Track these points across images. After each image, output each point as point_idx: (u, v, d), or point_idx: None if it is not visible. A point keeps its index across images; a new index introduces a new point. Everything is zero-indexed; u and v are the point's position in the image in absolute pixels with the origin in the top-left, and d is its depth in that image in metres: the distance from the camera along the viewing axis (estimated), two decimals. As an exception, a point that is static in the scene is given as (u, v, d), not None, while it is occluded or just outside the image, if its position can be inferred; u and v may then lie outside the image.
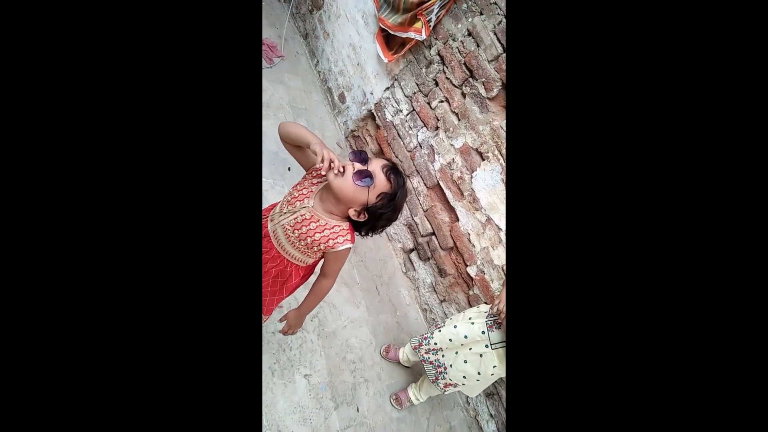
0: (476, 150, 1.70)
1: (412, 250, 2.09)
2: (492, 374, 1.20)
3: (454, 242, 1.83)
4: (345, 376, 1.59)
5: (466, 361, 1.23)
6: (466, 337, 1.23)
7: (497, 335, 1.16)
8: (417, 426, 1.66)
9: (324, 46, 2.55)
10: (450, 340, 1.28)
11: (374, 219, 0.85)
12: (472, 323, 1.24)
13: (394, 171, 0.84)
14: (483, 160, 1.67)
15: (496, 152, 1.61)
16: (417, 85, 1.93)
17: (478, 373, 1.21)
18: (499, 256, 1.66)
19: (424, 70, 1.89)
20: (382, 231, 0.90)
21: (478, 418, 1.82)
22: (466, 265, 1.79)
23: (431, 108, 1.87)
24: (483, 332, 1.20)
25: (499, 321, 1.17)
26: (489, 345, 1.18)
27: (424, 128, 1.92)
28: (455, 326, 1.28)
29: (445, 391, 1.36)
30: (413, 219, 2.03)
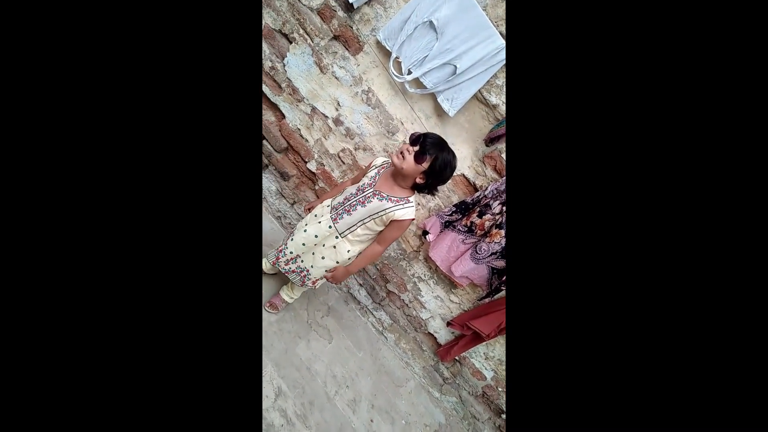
0: (280, 32, 1.50)
1: (246, 162, 1.92)
2: (349, 258, 1.31)
3: (287, 141, 1.74)
4: (210, 306, 1.51)
5: (323, 257, 1.30)
6: (316, 236, 1.28)
7: (343, 223, 1.23)
8: (298, 319, 1.78)
9: None
10: (303, 244, 1.32)
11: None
12: (320, 222, 1.28)
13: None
14: (290, 42, 1.51)
15: (302, 31, 1.46)
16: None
17: (337, 263, 1.30)
18: (332, 144, 1.66)
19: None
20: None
21: (350, 291, 2.06)
22: (305, 162, 1.76)
23: (212, -19, 1.51)
24: (330, 226, 1.25)
25: (341, 211, 1.23)
26: (338, 236, 1.26)
27: (212, 10, 1.57)
28: (305, 230, 1.31)
29: (315, 287, 1.44)
30: (236, 126, 1.80)
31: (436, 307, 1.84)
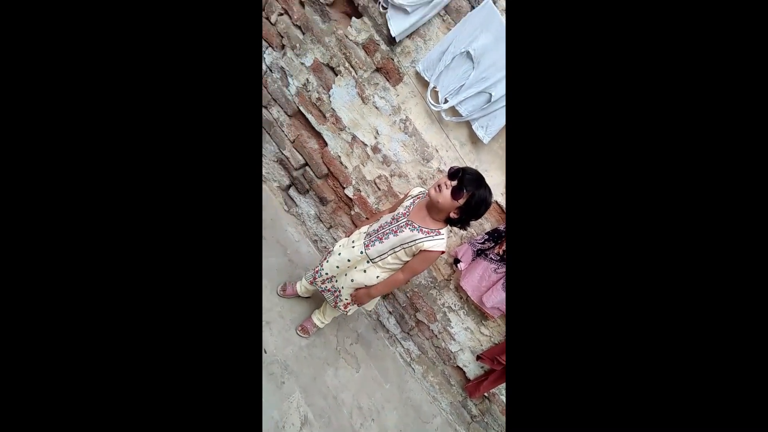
0: (327, 65, 1.63)
1: (289, 186, 2.02)
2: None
3: (328, 168, 1.82)
4: (242, 321, 1.55)
5: (353, 280, 1.32)
6: (349, 260, 1.31)
7: (375, 250, 1.25)
8: (327, 345, 1.76)
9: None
10: (337, 266, 1.35)
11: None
12: (353, 247, 1.31)
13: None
14: (336, 75, 1.63)
15: (347, 65, 1.58)
16: (249, -2, 1.70)
17: (365, 286, 1.31)
18: (370, 171, 1.72)
19: (253, -21, 1.65)
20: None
21: (380, 319, 2.02)
22: (343, 188, 1.82)
23: (271, 23, 1.69)
24: (361, 252, 1.28)
25: (374, 238, 1.26)
26: (369, 261, 1.27)
27: (270, 49, 1.75)
28: (339, 253, 1.35)
29: (347, 311, 1.45)
30: (282, 153, 1.93)
31: (466, 339, 1.75)
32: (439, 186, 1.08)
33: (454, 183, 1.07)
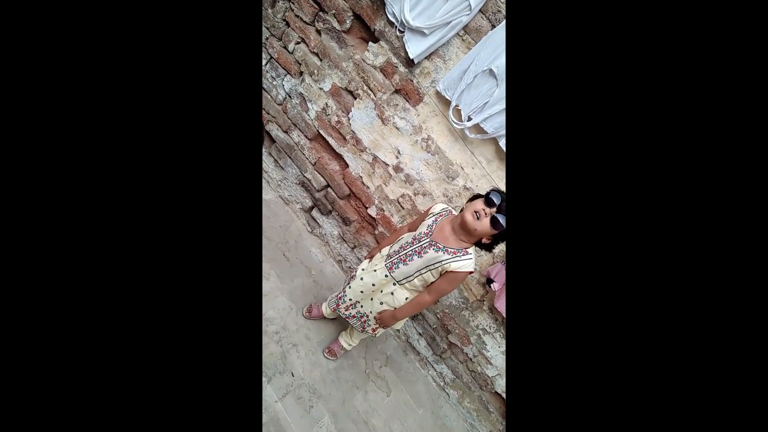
0: (346, 89, 1.63)
1: (312, 208, 2.03)
2: None
3: (350, 188, 1.82)
4: (272, 348, 1.54)
5: (382, 303, 1.28)
6: (373, 285, 1.28)
7: (400, 273, 1.21)
8: (355, 368, 1.73)
9: None
10: (361, 291, 1.32)
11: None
12: (375, 270, 1.28)
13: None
14: (355, 98, 1.63)
15: (365, 88, 1.57)
16: (267, 29, 1.74)
17: (395, 309, 1.27)
18: (392, 190, 1.70)
19: (270, 10, 1.69)
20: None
21: (409, 341, 1.98)
22: (366, 208, 1.81)
23: (289, 52, 1.72)
24: (386, 275, 1.24)
25: (396, 260, 1.22)
26: (395, 283, 1.24)
27: (288, 76, 1.77)
28: (362, 278, 1.32)
29: (375, 334, 1.42)
30: (304, 176, 1.94)
31: (504, 364, 1.67)
32: (477, 213, 1.05)
33: (493, 211, 1.04)
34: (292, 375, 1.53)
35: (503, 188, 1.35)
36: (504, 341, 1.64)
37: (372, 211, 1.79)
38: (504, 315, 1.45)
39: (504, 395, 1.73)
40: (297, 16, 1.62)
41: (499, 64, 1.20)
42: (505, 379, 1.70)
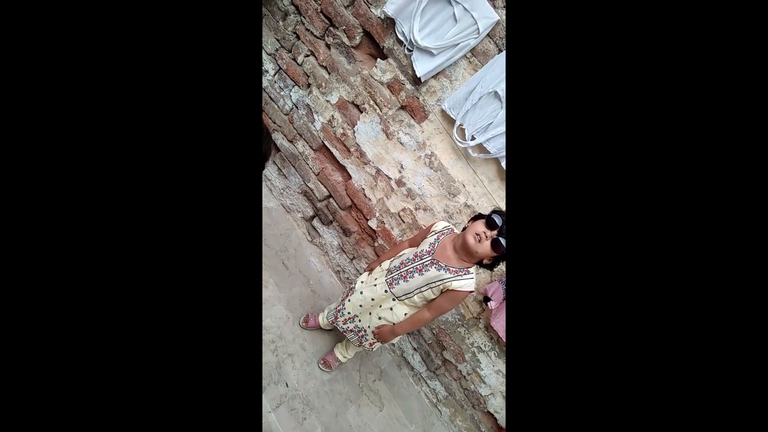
0: (352, 103, 1.66)
1: (313, 217, 2.04)
2: None
3: (351, 200, 1.83)
4: (267, 358, 1.54)
5: (380, 318, 1.28)
6: (373, 299, 1.28)
7: (400, 289, 1.22)
8: (349, 380, 1.72)
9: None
10: (360, 306, 1.32)
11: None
12: (375, 285, 1.28)
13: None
14: (361, 112, 1.65)
15: (372, 102, 1.60)
16: (278, 40, 1.77)
17: (393, 324, 1.27)
18: (394, 204, 1.71)
19: (281, 23, 1.72)
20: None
21: (404, 355, 1.97)
22: (367, 220, 1.82)
23: (298, 64, 1.75)
24: (386, 291, 1.25)
25: (397, 276, 1.23)
26: (395, 299, 1.24)
27: (296, 87, 1.80)
28: (361, 292, 1.31)
29: (372, 349, 1.42)
30: (307, 185, 1.95)
31: (498, 384, 1.67)
32: (478, 235, 1.06)
33: (494, 234, 1.05)
34: (287, 385, 1.52)
35: (503, 207, 1.37)
36: (498, 360, 1.64)
37: (372, 224, 1.80)
38: (500, 334, 1.45)
39: (496, 415, 1.72)
40: (308, 29, 1.66)
41: (504, 87, 1.22)
42: (497, 399, 1.70)
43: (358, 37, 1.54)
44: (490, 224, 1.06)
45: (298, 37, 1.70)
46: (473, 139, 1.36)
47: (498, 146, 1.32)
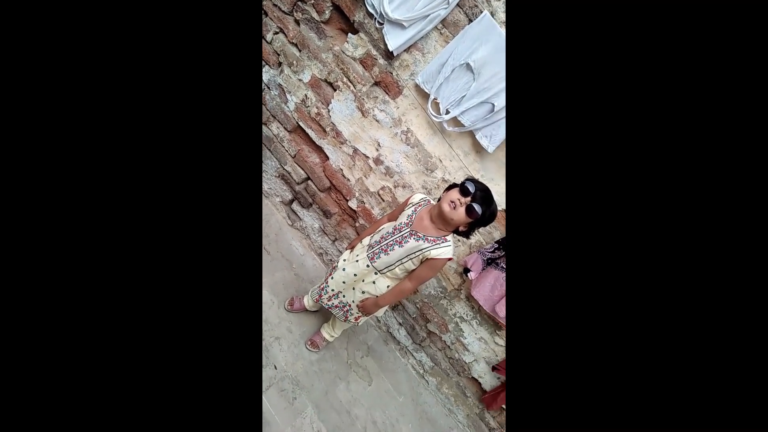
0: (325, 81, 1.63)
1: (292, 201, 2.02)
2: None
3: (330, 181, 1.82)
4: (253, 342, 1.54)
5: (364, 292, 1.30)
6: (355, 275, 1.30)
7: (381, 262, 1.24)
8: (338, 358, 1.75)
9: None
10: (343, 282, 1.34)
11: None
12: (357, 261, 1.30)
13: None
14: (335, 90, 1.62)
15: (345, 80, 1.57)
16: (244, 17, 1.70)
17: (377, 297, 1.30)
18: (372, 183, 1.71)
19: (246, -2, 1.65)
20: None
21: (390, 330, 2.01)
22: (347, 200, 1.81)
23: (267, 42, 1.69)
24: (368, 265, 1.27)
25: (378, 250, 1.24)
26: (377, 272, 1.26)
27: (267, 66, 1.75)
28: (344, 269, 1.33)
29: (357, 323, 1.44)
30: (284, 168, 1.92)
31: (480, 350, 1.74)
32: (453, 202, 1.08)
33: (468, 200, 1.07)
34: (275, 368, 1.53)
35: (480, 179, 1.39)
36: (480, 328, 1.70)
37: (353, 204, 1.80)
38: (480, 303, 1.51)
39: (480, 380, 1.80)
40: (275, 5, 1.60)
41: (476, 59, 1.23)
42: (481, 365, 1.77)
43: (327, 12, 1.50)
44: (463, 191, 1.08)
45: (265, 14, 1.64)
46: (448, 113, 1.37)
47: (472, 119, 1.33)
